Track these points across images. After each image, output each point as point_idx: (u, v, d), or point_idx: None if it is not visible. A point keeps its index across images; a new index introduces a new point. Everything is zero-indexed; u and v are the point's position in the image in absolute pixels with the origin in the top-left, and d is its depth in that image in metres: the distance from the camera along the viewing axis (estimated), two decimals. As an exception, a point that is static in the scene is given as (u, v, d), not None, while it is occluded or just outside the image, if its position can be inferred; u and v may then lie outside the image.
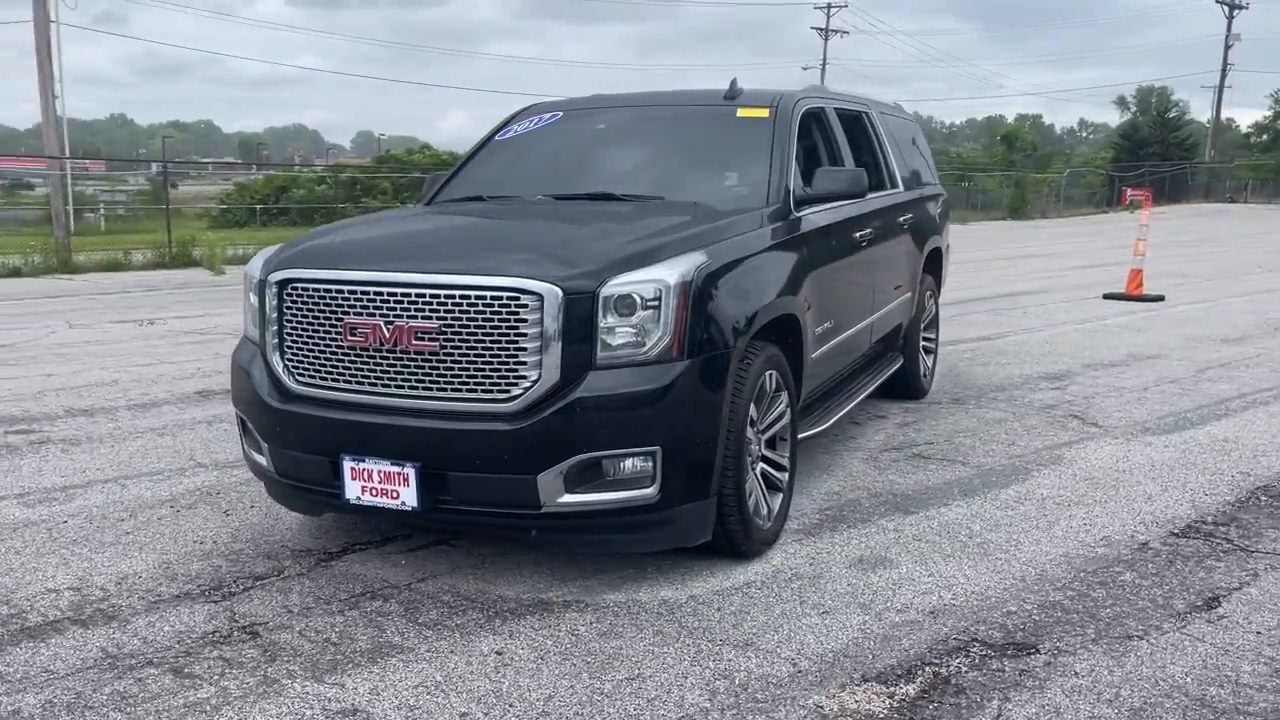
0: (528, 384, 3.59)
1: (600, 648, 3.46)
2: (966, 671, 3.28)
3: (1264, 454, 5.78)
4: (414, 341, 3.68)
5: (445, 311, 3.65)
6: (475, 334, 3.63)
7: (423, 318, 3.67)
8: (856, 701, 3.11)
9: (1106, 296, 13.15)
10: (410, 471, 3.67)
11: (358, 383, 3.81)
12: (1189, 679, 3.23)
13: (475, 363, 3.64)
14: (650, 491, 3.68)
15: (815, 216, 4.97)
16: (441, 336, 3.65)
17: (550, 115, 5.59)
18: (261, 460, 4.17)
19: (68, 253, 18.74)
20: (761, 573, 4.09)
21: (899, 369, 6.80)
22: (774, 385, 4.29)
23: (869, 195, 5.88)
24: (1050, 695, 3.13)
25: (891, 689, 3.18)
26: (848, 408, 5.42)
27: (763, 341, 4.22)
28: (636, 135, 5.39)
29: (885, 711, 3.04)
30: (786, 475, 4.50)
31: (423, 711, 3.05)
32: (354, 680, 3.24)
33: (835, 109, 5.83)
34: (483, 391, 3.64)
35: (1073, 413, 6.78)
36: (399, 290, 3.71)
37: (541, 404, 3.58)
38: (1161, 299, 12.78)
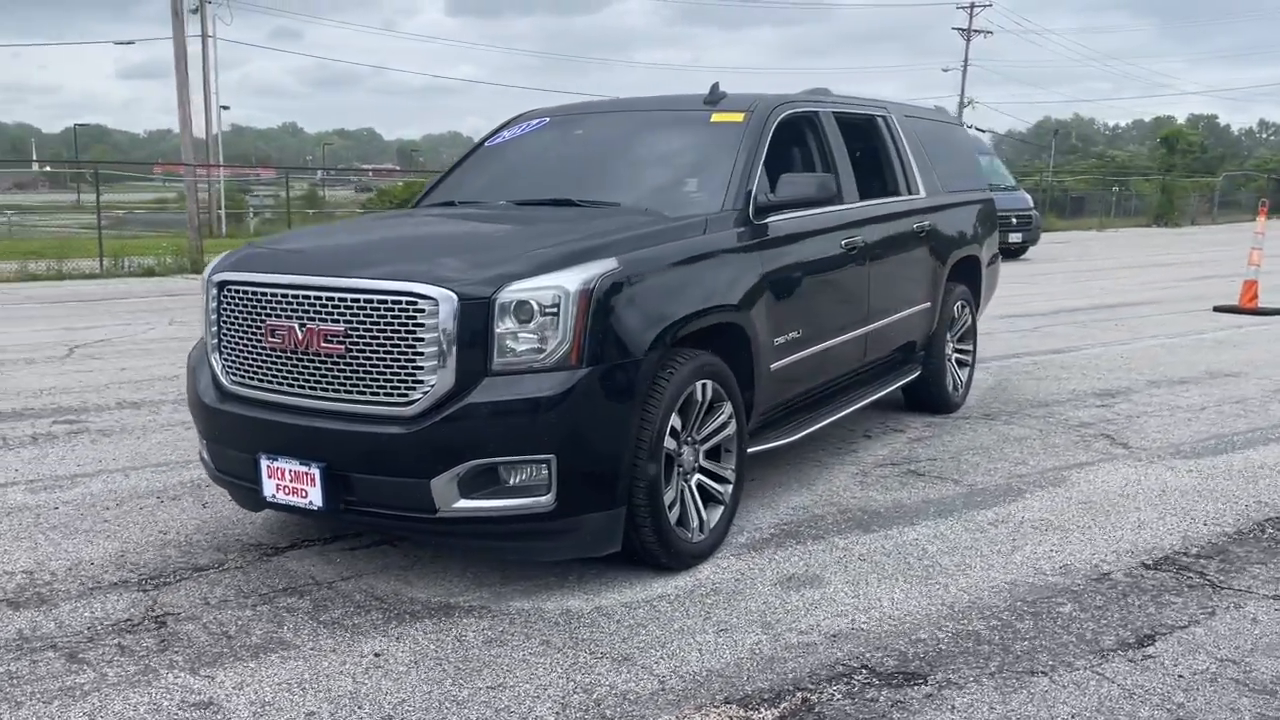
0: (425, 388, 3.62)
1: (479, 655, 3.46)
2: (839, 700, 3.14)
3: None
4: (323, 344, 3.76)
5: (351, 315, 3.72)
6: (378, 338, 3.68)
7: (331, 321, 3.75)
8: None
9: (1217, 309, 12.38)
10: (316, 472, 3.74)
11: (276, 383, 3.91)
12: (1071, 722, 3.01)
13: (378, 366, 3.69)
14: (546, 500, 3.66)
15: (785, 223, 4.85)
16: (348, 339, 3.72)
17: (537, 122, 5.62)
18: (205, 456, 4.33)
19: (199, 254, 19.86)
20: (680, 586, 4.01)
21: (920, 382, 6.56)
22: (709, 395, 4.19)
23: (871, 201, 5.74)
24: (908, 730, 2.96)
25: (750, 713, 3.07)
26: (826, 421, 5.25)
27: (694, 350, 4.13)
28: (612, 141, 5.36)
29: None
30: (730, 488, 4.39)
31: (274, 708, 3.11)
32: (226, 674, 3.32)
33: (835, 114, 5.66)
34: (384, 395, 3.69)
35: (1105, 432, 6.40)
36: (311, 294, 3.79)
37: (437, 409, 3.61)
38: (1277, 313, 11.94)
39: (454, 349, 3.59)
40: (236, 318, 4.03)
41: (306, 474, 3.77)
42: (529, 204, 4.90)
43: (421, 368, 3.63)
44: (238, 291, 4.02)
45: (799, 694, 3.18)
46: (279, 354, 3.87)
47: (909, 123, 6.58)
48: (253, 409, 3.97)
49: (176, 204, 36.57)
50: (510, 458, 3.62)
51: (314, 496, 3.77)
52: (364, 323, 3.70)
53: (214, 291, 4.13)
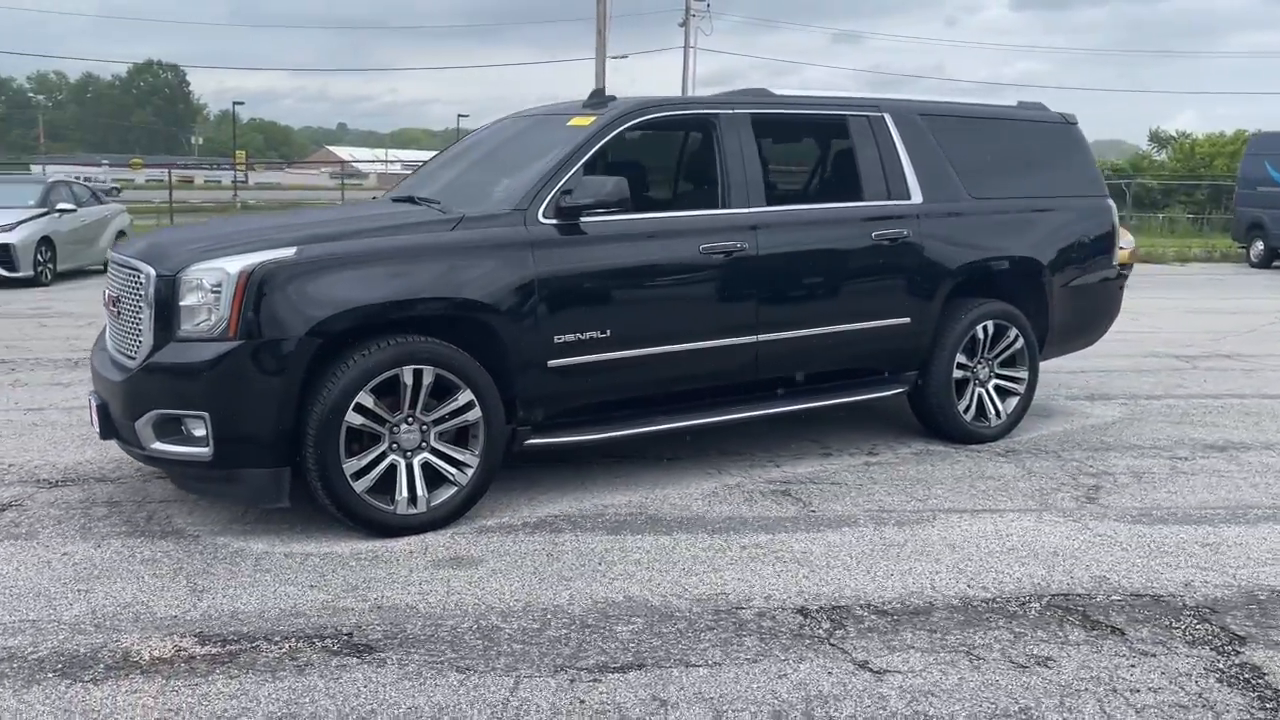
0: (141, 346, 4.43)
1: (129, 567, 4.18)
2: (268, 654, 3.45)
3: (1230, 563, 4.31)
4: (111, 305, 4.73)
5: (119, 284, 4.65)
6: (126, 303, 4.57)
7: (114, 287, 4.70)
8: (134, 644, 3.49)
9: None
10: (95, 406, 4.72)
11: (108, 338, 4.95)
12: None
13: (126, 326, 4.58)
14: (205, 451, 4.29)
15: (605, 225, 4.94)
16: (120, 303, 4.64)
17: (497, 121, 6.14)
18: None
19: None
20: (378, 547, 4.37)
21: (921, 404, 6.08)
22: (427, 380, 4.50)
23: (787, 207, 5.57)
24: (252, 687, 3.22)
25: (179, 646, 3.47)
26: (677, 425, 5.20)
27: (413, 336, 4.48)
28: (500, 142, 5.72)
29: (148, 663, 3.38)
30: (470, 471, 4.64)
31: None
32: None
33: (761, 116, 5.49)
34: (127, 349, 4.56)
35: (1093, 483, 5.46)
36: (115, 266, 4.79)
37: (143, 363, 4.40)
38: None
39: (154, 316, 4.35)
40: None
41: (94, 407, 4.74)
42: (404, 200, 5.47)
43: (140, 329, 4.44)
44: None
45: (239, 645, 3.51)
46: (109, 315, 4.90)
47: (923, 123, 6.05)
48: (96, 357, 5.03)
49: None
50: (179, 411, 4.30)
51: (98, 426, 4.73)
52: (122, 290, 4.60)
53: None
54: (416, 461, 4.59)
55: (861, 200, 5.79)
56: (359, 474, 4.45)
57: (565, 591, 3.97)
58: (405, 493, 4.55)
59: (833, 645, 3.54)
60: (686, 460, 5.76)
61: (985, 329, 6.16)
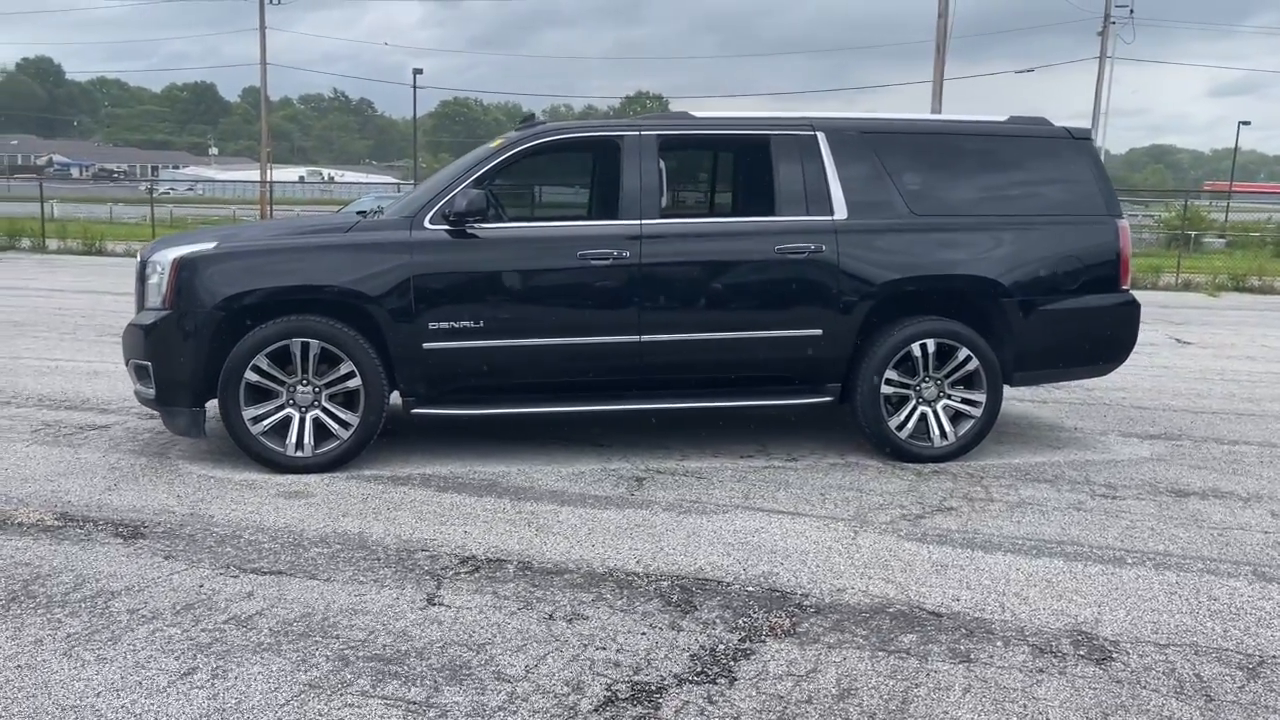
0: (143, 312, 6.04)
1: (90, 469, 5.83)
2: (74, 530, 4.85)
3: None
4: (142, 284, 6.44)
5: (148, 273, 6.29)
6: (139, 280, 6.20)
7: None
8: (18, 512, 5.05)
9: None
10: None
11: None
12: None
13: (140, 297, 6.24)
14: (149, 391, 5.82)
15: (492, 232, 5.87)
16: (144, 282, 6.30)
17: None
18: None
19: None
20: (263, 479, 5.65)
21: (854, 417, 6.28)
22: (313, 351, 5.70)
23: (676, 220, 6.14)
24: None
25: (40, 518, 4.98)
26: (554, 409, 5.96)
27: (298, 315, 5.72)
28: (458, 161, 6.72)
29: (13, 525, 4.93)
30: (350, 430, 5.78)
31: None
32: None
33: (667, 137, 6.08)
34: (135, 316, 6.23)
35: (953, 506, 5.41)
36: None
37: (129, 324, 6.01)
38: None
39: (144, 291, 5.96)
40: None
41: (132, 359, 6.47)
42: (360, 212, 6.72)
43: (145, 299, 6.03)
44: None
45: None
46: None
47: (865, 141, 6.23)
48: None
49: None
50: (141, 360, 5.85)
51: (134, 373, 6.45)
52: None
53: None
54: (309, 416, 5.79)
55: (771, 215, 6.10)
56: (257, 419, 5.72)
57: (345, 525, 4.95)
58: (295, 439, 5.76)
59: (432, 580, 4.23)
60: (585, 445, 6.42)
61: (924, 346, 6.16)
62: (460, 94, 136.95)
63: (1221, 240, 35.32)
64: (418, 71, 55.92)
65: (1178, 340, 12.20)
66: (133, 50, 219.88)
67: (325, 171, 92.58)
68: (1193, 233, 32.26)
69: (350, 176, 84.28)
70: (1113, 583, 4.35)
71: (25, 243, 25.48)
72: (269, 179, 50.56)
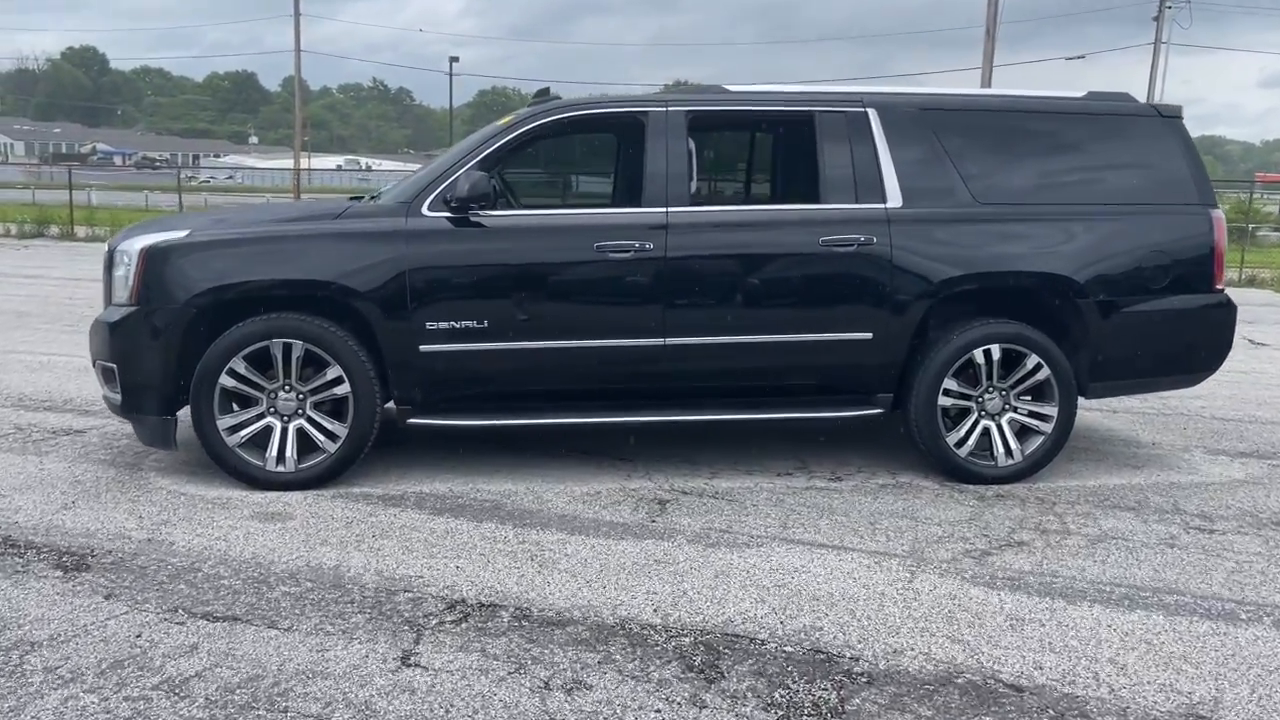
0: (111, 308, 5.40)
1: (52, 482, 5.23)
2: (10, 559, 4.25)
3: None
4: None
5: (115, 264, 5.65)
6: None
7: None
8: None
9: None
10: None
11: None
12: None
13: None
14: (115, 396, 5.20)
15: (502, 220, 5.20)
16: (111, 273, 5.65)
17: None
18: None
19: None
20: (238, 497, 5.02)
21: (910, 432, 5.55)
22: (297, 353, 5.05)
23: (708, 208, 5.46)
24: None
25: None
26: (561, 420, 5.28)
27: (280, 312, 5.07)
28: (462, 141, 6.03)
29: None
30: (338, 442, 5.13)
31: None
32: (-9, 455, 5.72)
33: (699, 112, 5.36)
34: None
35: (1027, 539, 4.68)
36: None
37: (93, 322, 5.37)
38: None
39: (111, 283, 5.33)
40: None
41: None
42: (357, 198, 6.06)
43: (112, 292, 5.40)
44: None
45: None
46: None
47: (923, 119, 5.48)
48: None
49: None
50: (105, 362, 5.23)
51: (108, 374, 5.84)
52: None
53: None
54: (292, 426, 5.14)
55: (816, 203, 5.37)
56: (234, 429, 5.08)
57: (321, 556, 4.31)
58: (275, 452, 5.11)
59: (411, 631, 3.57)
60: (604, 459, 5.74)
61: (988, 353, 5.41)
62: (499, 83, 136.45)
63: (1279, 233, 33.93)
64: (454, 59, 55.46)
65: (1251, 341, 11.30)
66: (176, 39, 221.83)
67: (363, 160, 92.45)
68: (1250, 225, 30.97)
69: (388, 165, 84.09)
70: (1228, 647, 3.60)
71: (54, 230, 25.18)
72: (307, 167, 50.38)
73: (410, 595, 3.91)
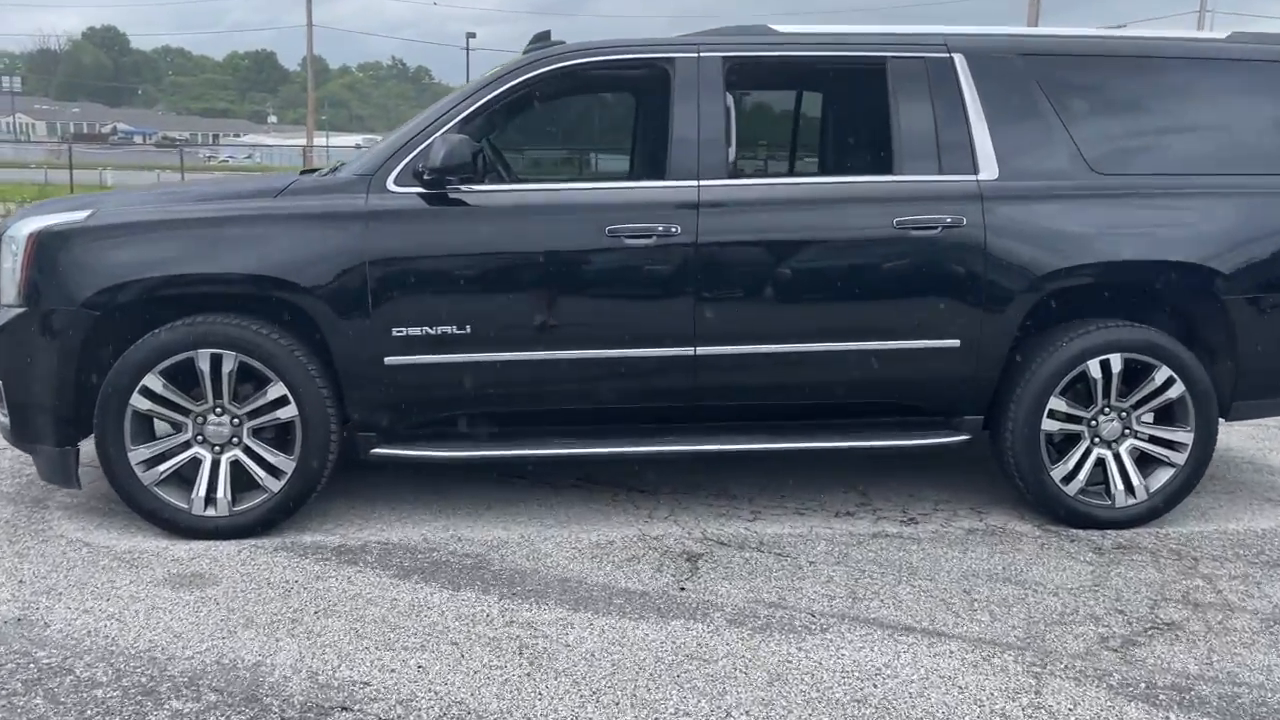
0: (0, 309, 4.32)
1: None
2: None
3: None
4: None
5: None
6: None
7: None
8: None
9: None
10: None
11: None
12: None
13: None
14: (5, 420, 4.12)
15: (483, 197, 4.09)
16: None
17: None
18: None
19: None
20: (159, 548, 3.97)
21: (1003, 466, 4.43)
22: (229, 367, 3.97)
23: (756, 180, 4.33)
24: None
25: None
26: (561, 451, 4.17)
27: (216, 316, 3.98)
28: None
29: None
30: (283, 480, 4.05)
31: None
32: None
33: (740, 58, 4.22)
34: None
35: (1176, 619, 3.54)
36: None
37: None
38: None
39: (-4, 278, 4.22)
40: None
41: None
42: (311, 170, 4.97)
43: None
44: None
45: None
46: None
47: (1024, 67, 4.32)
48: None
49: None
50: (-15, 376, 4.12)
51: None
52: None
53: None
54: (224, 458, 4.06)
55: (888, 175, 4.23)
56: (150, 463, 4.00)
57: (241, 646, 3.23)
58: (203, 491, 4.03)
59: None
60: (618, 492, 4.65)
61: (1105, 364, 4.25)
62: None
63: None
64: (470, 35, 54.22)
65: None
66: (197, 18, 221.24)
67: (382, 138, 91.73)
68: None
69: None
70: None
71: (54, 211, 24.25)
72: (325, 144, 49.30)
73: (349, 716, 2.81)
